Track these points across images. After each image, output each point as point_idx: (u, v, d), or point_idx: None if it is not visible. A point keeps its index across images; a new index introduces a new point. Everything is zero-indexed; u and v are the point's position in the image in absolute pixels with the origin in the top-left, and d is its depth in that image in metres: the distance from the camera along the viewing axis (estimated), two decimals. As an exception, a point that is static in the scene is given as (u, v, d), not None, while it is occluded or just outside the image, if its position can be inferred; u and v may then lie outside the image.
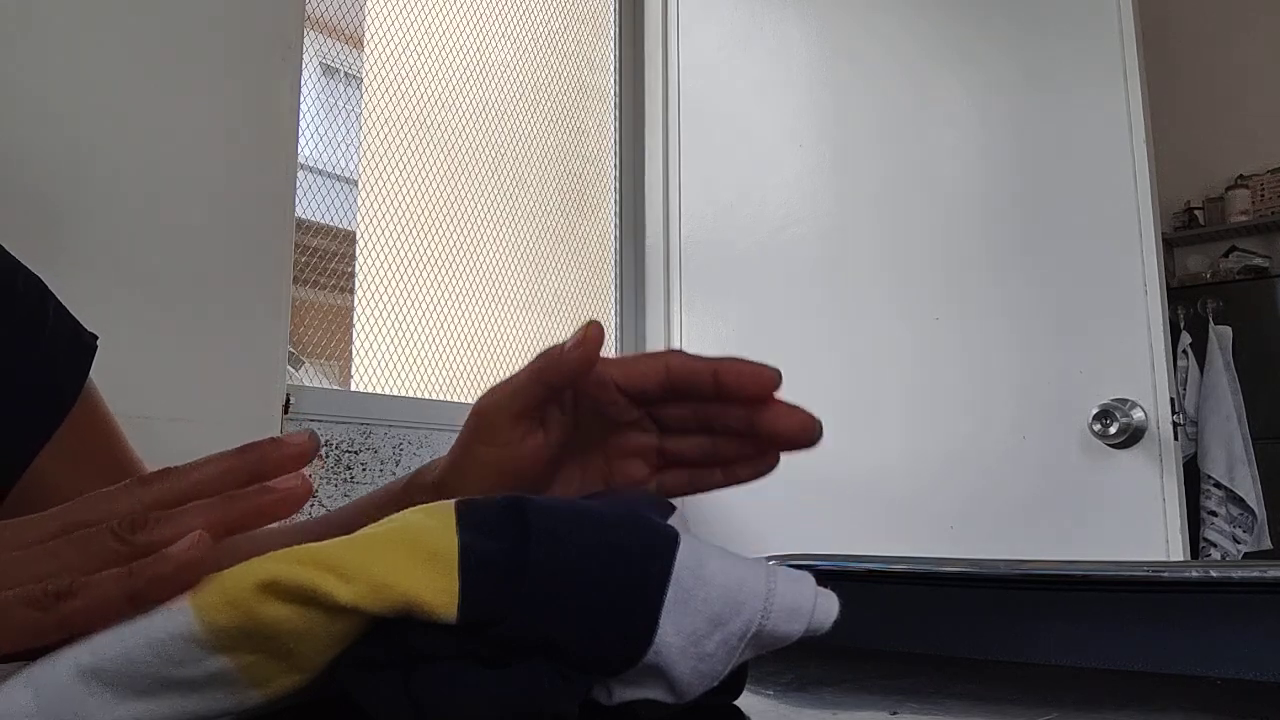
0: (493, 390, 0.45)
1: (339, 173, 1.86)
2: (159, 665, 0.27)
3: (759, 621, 0.30)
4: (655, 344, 2.23)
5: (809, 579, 0.32)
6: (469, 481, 0.45)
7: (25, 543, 0.31)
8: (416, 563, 0.28)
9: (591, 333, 0.42)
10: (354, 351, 1.81)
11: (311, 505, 1.55)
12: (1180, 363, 3.28)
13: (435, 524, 0.30)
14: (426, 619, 0.28)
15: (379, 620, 0.28)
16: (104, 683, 0.27)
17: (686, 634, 0.29)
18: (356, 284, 1.83)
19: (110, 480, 0.65)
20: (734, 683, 0.33)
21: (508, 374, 0.45)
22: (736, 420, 0.44)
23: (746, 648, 0.30)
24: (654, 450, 0.47)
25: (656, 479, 0.47)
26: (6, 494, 0.60)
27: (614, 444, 0.47)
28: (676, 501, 0.42)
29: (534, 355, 0.44)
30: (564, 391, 0.44)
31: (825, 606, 0.31)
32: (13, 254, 0.65)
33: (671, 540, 0.31)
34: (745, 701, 0.35)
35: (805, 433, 0.43)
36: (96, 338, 0.67)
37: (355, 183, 1.88)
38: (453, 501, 0.31)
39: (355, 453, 1.65)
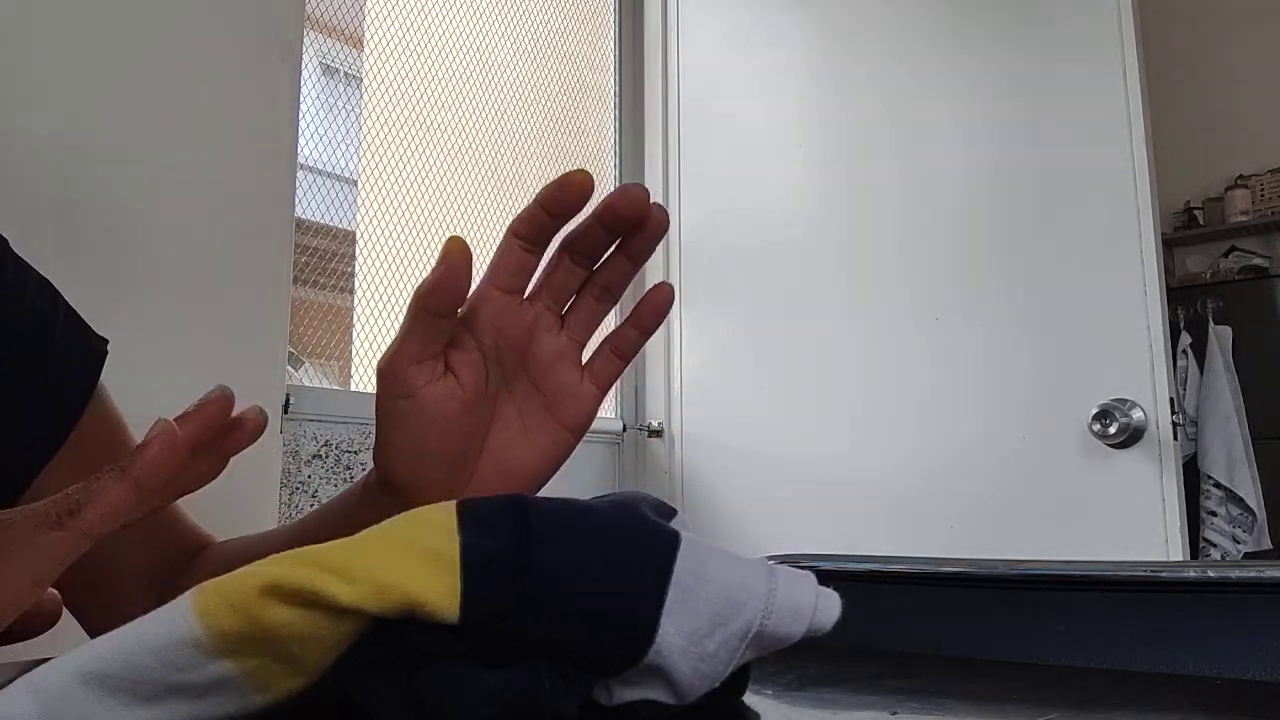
0: (387, 348, 0.46)
1: (339, 173, 1.86)
2: (162, 671, 0.27)
3: (760, 621, 0.30)
4: (655, 344, 2.23)
5: (810, 579, 0.32)
6: (398, 449, 0.45)
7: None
8: (419, 563, 0.28)
9: (450, 249, 0.42)
10: (354, 351, 1.81)
11: (311, 505, 1.56)
12: (1180, 363, 3.28)
13: (437, 524, 0.30)
14: (428, 619, 0.28)
15: (380, 620, 0.28)
16: (106, 688, 0.27)
17: (687, 634, 0.29)
18: (356, 284, 1.83)
19: None
20: (736, 683, 0.33)
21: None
22: (598, 238, 0.45)
23: (748, 648, 0.30)
24: (569, 346, 0.48)
25: (589, 377, 0.48)
26: (15, 504, 0.60)
27: (532, 362, 0.47)
28: (677, 505, 0.42)
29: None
30: (448, 317, 0.44)
31: (827, 606, 0.31)
32: (21, 257, 0.65)
33: (672, 540, 0.31)
34: (745, 701, 0.35)
35: (640, 206, 0.44)
36: (106, 341, 0.67)
37: (355, 183, 1.88)
38: (454, 502, 0.31)
39: (355, 453, 1.65)
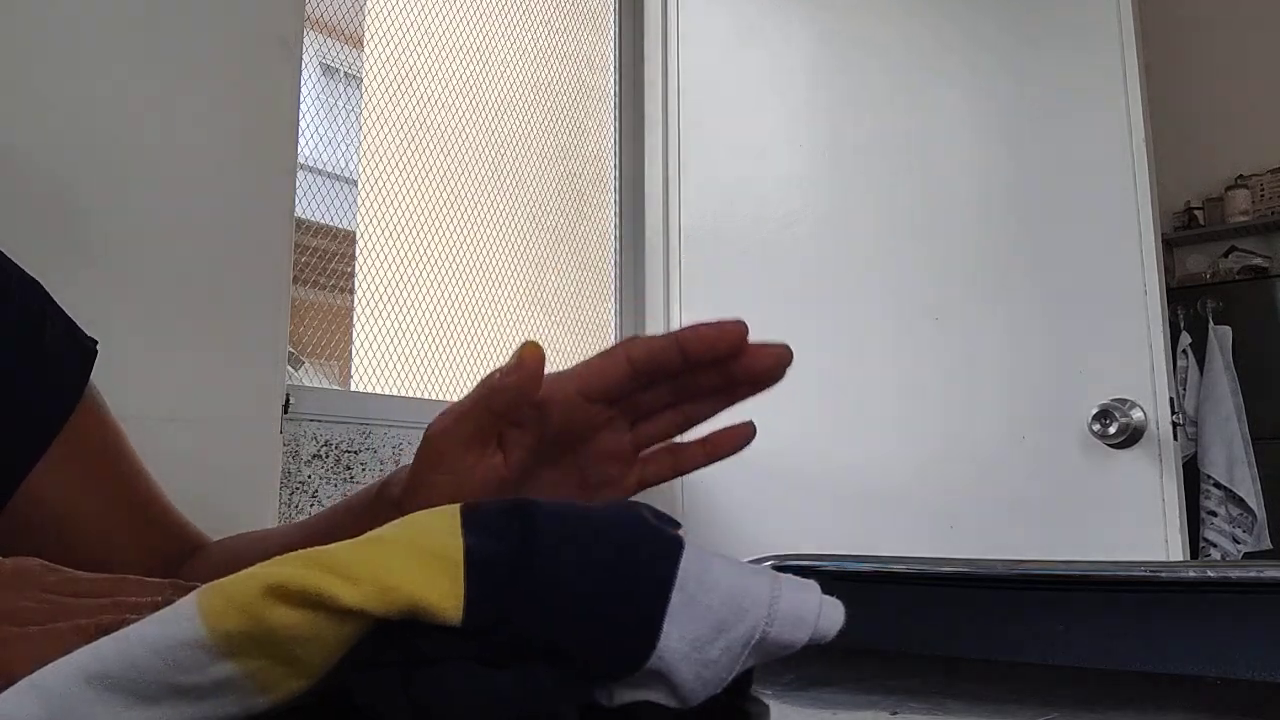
0: (441, 415, 0.44)
1: (339, 173, 1.86)
2: (166, 672, 0.27)
3: (763, 628, 0.30)
4: (655, 344, 2.23)
5: (814, 587, 0.32)
6: (424, 505, 0.44)
7: (78, 592, 0.35)
8: (422, 565, 0.28)
9: (526, 355, 0.40)
10: (354, 351, 1.81)
11: (312, 505, 1.56)
12: (1180, 363, 3.28)
13: (441, 526, 0.30)
14: (432, 621, 0.28)
15: (383, 622, 0.28)
16: (110, 689, 0.27)
17: (690, 639, 0.29)
18: (356, 284, 1.83)
19: (110, 488, 0.65)
20: (739, 684, 0.33)
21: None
22: (710, 381, 0.43)
23: (750, 654, 0.30)
24: (629, 447, 0.46)
25: (637, 473, 0.46)
26: (5, 503, 0.59)
27: (586, 452, 0.46)
28: (677, 505, 0.42)
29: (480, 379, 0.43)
30: (512, 415, 0.43)
31: (830, 615, 0.31)
32: (10, 258, 0.65)
33: (676, 545, 0.31)
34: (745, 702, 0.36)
35: (782, 365, 0.42)
36: (96, 342, 0.67)
37: (355, 183, 1.88)
38: (458, 505, 0.31)
39: (355, 453, 1.65)
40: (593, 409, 0.44)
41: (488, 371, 0.42)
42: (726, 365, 0.42)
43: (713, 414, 0.45)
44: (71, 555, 0.62)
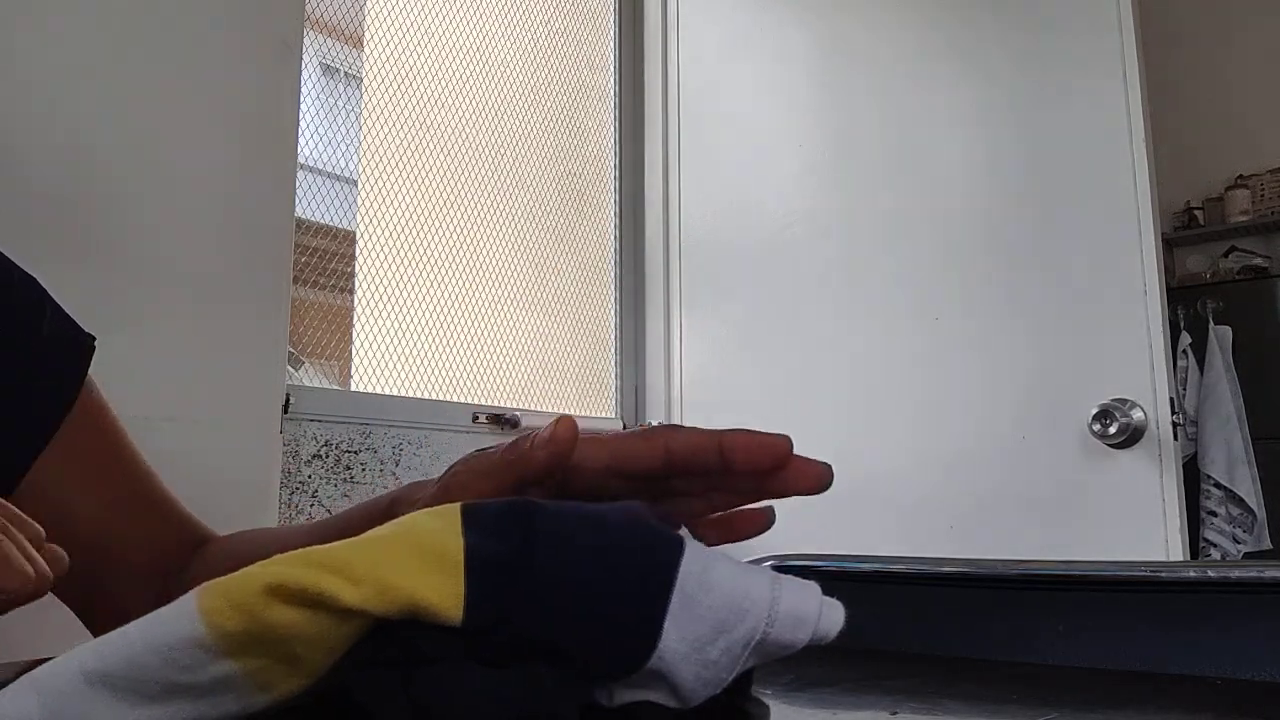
0: (466, 465, 0.44)
1: (339, 173, 1.86)
2: (166, 671, 0.27)
3: (763, 629, 0.30)
4: (655, 344, 2.23)
5: (814, 588, 0.32)
6: None
7: None
8: (423, 564, 0.28)
9: (559, 431, 0.40)
10: (354, 351, 1.81)
11: (311, 505, 1.56)
12: (1180, 363, 3.28)
13: (441, 526, 0.30)
14: (432, 621, 0.28)
15: (383, 621, 0.28)
16: (110, 688, 0.27)
17: (690, 640, 0.29)
18: (356, 284, 1.83)
19: (111, 483, 0.65)
20: (739, 684, 0.34)
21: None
22: (744, 483, 0.42)
23: (750, 655, 0.30)
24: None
25: None
26: (11, 496, 0.60)
27: None
28: None
29: (510, 441, 0.43)
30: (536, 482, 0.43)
31: (830, 616, 0.31)
32: (7, 255, 0.65)
33: (677, 545, 0.31)
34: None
35: (820, 486, 0.41)
36: (94, 338, 0.67)
37: (355, 183, 1.88)
38: (458, 504, 0.31)
39: (355, 453, 1.65)
40: (619, 482, 0.43)
41: (518, 435, 0.42)
42: (764, 477, 0.41)
43: (735, 506, 0.45)
44: (73, 548, 0.62)
